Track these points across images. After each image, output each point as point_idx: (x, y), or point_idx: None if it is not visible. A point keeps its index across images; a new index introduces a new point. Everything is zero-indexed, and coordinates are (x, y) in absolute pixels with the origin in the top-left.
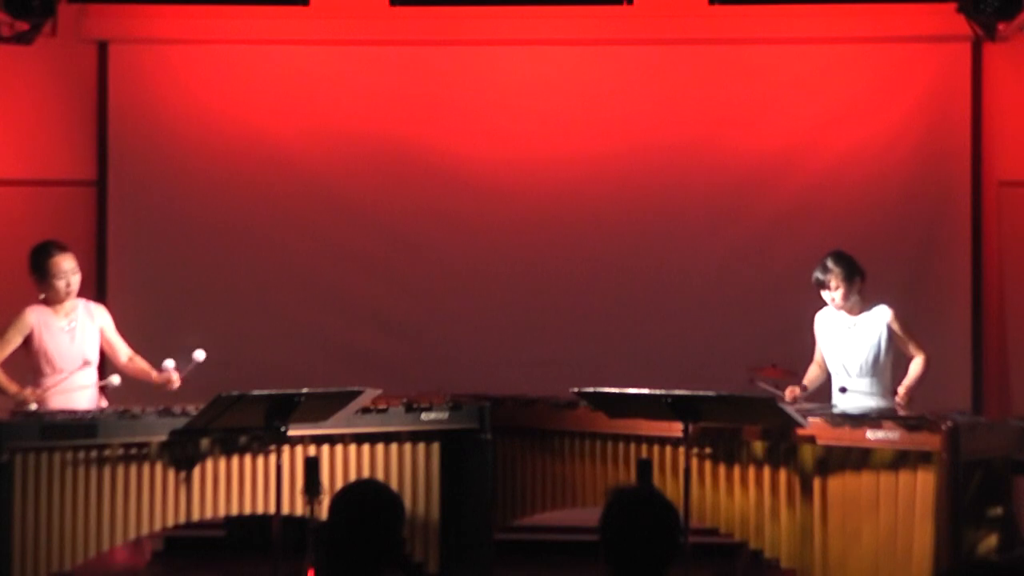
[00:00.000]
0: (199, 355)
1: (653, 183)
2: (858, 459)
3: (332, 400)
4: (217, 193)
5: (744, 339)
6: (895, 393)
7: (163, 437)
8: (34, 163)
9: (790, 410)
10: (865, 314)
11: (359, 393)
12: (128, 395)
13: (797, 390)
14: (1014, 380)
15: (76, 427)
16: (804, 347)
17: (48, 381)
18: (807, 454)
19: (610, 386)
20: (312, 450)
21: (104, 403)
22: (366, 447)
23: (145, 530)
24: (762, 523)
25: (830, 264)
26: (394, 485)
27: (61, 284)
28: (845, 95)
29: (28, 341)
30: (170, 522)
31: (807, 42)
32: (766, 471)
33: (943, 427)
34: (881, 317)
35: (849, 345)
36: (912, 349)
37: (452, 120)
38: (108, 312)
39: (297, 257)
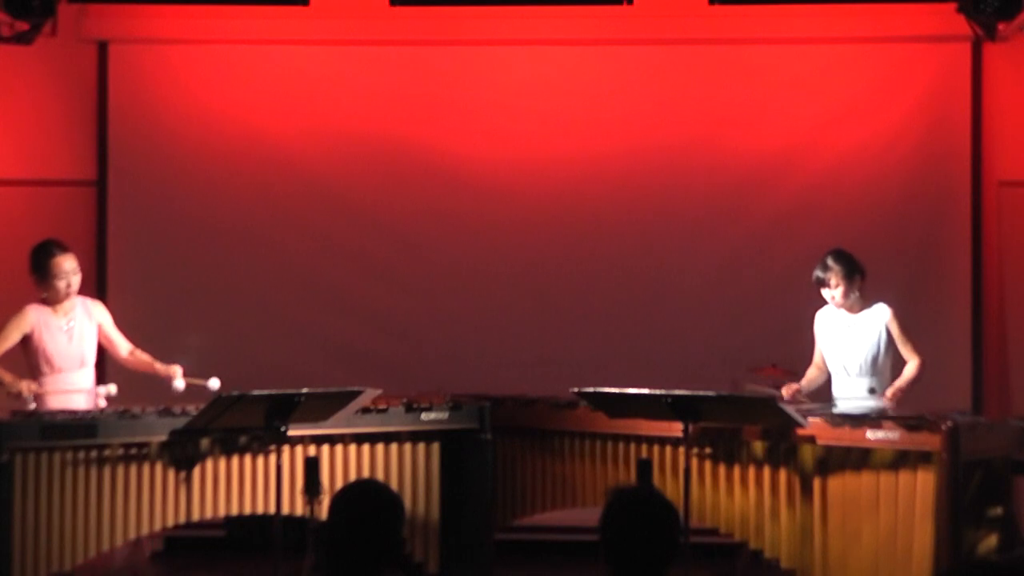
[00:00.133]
0: (214, 383)
1: (653, 183)
2: (858, 459)
3: (332, 400)
4: (217, 193)
5: (744, 339)
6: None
7: (163, 437)
8: (34, 163)
9: (790, 410)
10: (864, 313)
11: (359, 393)
12: (128, 395)
13: (796, 386)
14: (1014, 380)
15: (76, 427)
16: (804, 347)
17: (46, 380)
18: (807, 454)
19: (610, 386)
20: (312, 450)
21: (102, 402)
22: (366, 447)
23: (145, 530)
24: (762, 523)
25: (830, 262)
26: (394, 485)
27: (62, 284)
28: (845, 95)
29: (27, 340)
30: (170, 522)
31: (807, 42)
32: (766, 471)
33: (943, 427)
34: (880, 316)
35: (848, 344)
36: (907, 352)
37: (452, 120)
38: (106, 308)
39: (297, 257)
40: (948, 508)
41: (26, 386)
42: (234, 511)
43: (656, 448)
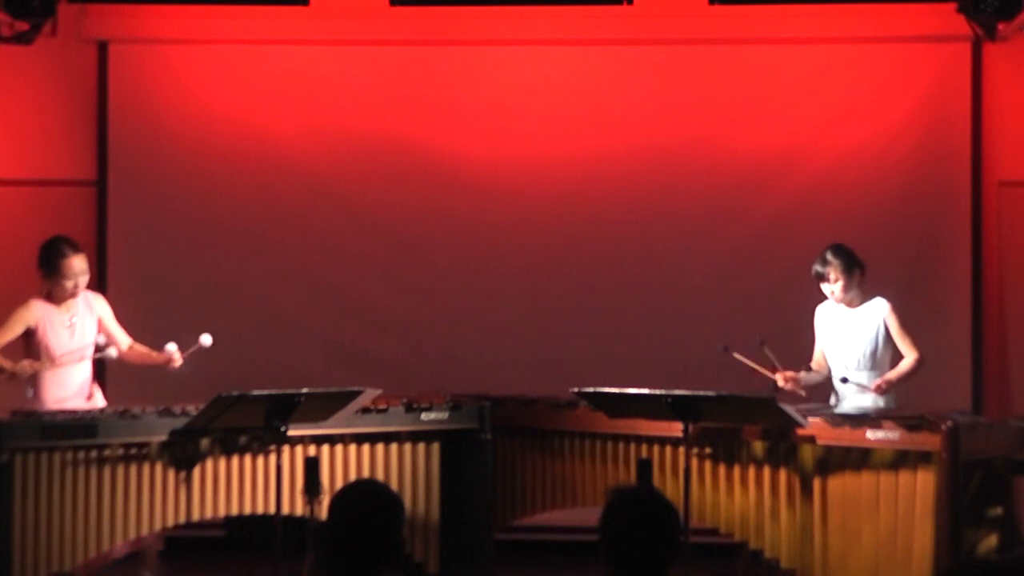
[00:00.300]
0: (206, 339)
1: (653, 183)
2: (858, 459)
3: (332, 400)
4: (217, 193)
5: (744, 339)
6: (894, 392)
7: (163, 437)
8: (34, 163)
9: (790, 410)
10: (863, 307)
11: (359, 393)
12: (128, 395)
13: (790, 373)
14: (1014, 380)
15: (76, 427)
16: (804, 346)
17: (45, 375)
18: (807, 454)
19: (610, 386)
20: (312, 450)
21: (99, 394)
22: (366, 447)
23: (145, 530)
24: (762, 523)
25: (829, 256)
26: (394, 485)
27: (70, 284)
28: (845, 95)
29: (29, 334)
30: (170, 522)
31: (807, 42)
32: (766, 471)
33: (943, 427)
34: (879, 310)
35: (847, 338)
36: (905, 347)
37: (452, 120)
38: (106, 302)
39: (297, 257)
40: (948, 508)
41: (27, 364)
42: (234, 511)
43: (656, 448)
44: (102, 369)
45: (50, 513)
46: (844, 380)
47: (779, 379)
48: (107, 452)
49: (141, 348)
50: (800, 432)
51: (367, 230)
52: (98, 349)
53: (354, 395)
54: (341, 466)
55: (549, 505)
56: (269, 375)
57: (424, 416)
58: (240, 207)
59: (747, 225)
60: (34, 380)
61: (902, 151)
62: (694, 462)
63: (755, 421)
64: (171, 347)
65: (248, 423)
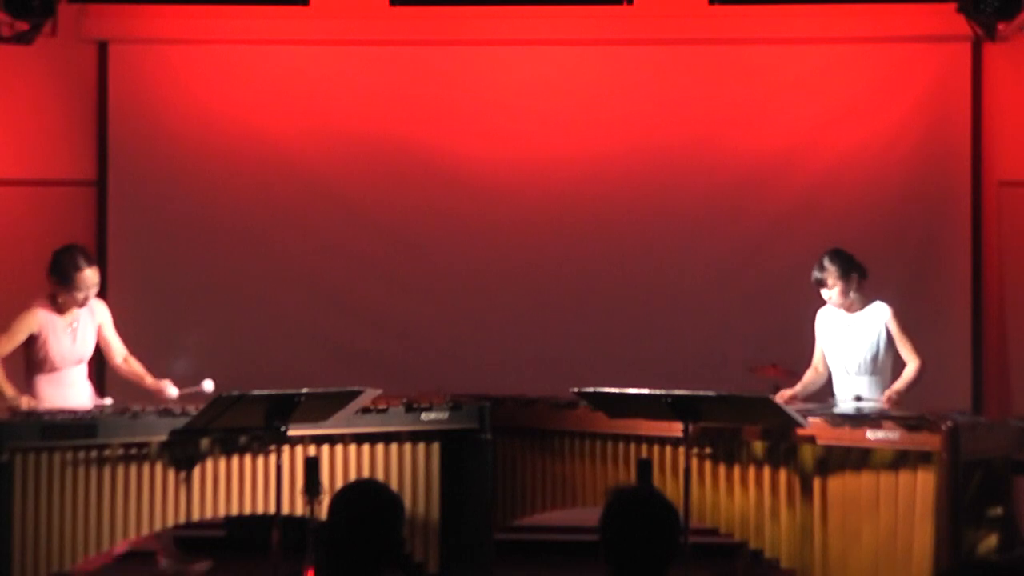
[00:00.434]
0: (208, 385)
1: (653, 183)
2: (858, 459)
3: (332, 400)
4: (217, 193)
5: (744, 339)
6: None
7: (163, 437)
8: (34, 163)
9: (790, 410)
10: (864, 312)
11: (359, 393)
12: (128, 395)
13: (787, 393)
14: (1014, 380)
15: (76, 427)
16: (804, 347)
17: (43, 378)
18: (807, 454)
19: (610, 386)
20: (312, 450)
21: (96, 398)
22: (366, 447)
23: (145, 530)
24: (762, 523)
25: (826, 262)
26: (394, 485)
27: (81, 296)
28: (845, 95)
29: (31, 340)
30: (170, 522)
31: (807, 42)
32: (766, 471)
33: (943, 427)
34: (879, 315)
35: (848, 343)
36: (907, 353)
37: (452, 120)
38: (107, 308)
39: (297, 257)
40: (948, 508)
41: (25, 401)
42: (234, 511)
43: (656, 448)
44: (101, 369)
45: (50, 513)
46: (858, 398)
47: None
48: (107, 452)
49: (136, 367)
50: (800, 432)
51: (367, 230)
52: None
53: (354, 395)
54: (341, 466)
55: (549, 505)
56: (269, 375)
57: (424, 416)
58: (240, 207)
59: (747, 225)
60: (32, 386)
61: (902, 151)
62: (694, 462)
63: (755, 421)
64: (172, 390)
65: (248, 423)
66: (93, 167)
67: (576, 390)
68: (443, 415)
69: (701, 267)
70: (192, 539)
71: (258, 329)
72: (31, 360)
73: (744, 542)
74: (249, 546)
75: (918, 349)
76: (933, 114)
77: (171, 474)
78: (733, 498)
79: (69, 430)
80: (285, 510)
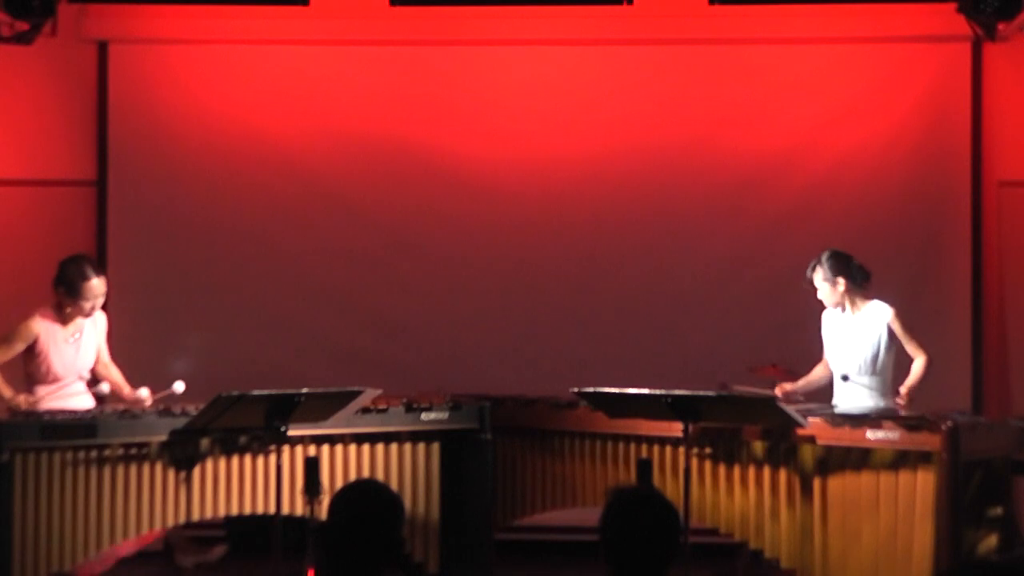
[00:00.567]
0: (178, 387)
1: (653, 183)
2: (858, 459)
3: (332, 400)
4: (217, 193)
5: (744, 339)
6: (896, 392)
7: (163, 437)
8: (34, 163)
9: (790, 410)
10: (863, 312)
11: (359, 393)
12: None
13: (789, 386)
14: (1014, 380)
15: (76, 427)
16: (804, 347)
17: (43, 389)
18: (807, 454)
19: (610, 386)
20: (312, 450)
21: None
22: (366, 447)
23: (145, 530)
24: (762, 523)
25: (814, 264)
26: (394, 485)
27: (88, 306)
28: (845, 95)
29: (30, 349)
30: (170, 522)
31: (807, 42)
32: (766, 471)
33: (943, 427)
34: (879, 315)
35: (848, 343)
36: (913, 349)
37: (452, 120)
38: (106, 319)
39: (297, 257)
40: (948, 508)
41: (23, 400)
42: (234, 511)
43: (656, 448)
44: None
45: (50, 513)
46: (845, 378)
47: (777, 392)
48: (107, 452)
49: (116, 375)
50: (800, 432)
51: (367, 230)
52: (91, 384)
53: (354, 395)
54: (341, 466)
55: (549, 505)
56: (269, 375)
57: (424, 416)
58: (240, 207)
59: (747, 225)
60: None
61: (902, 151)
62: (694, 462)
63: (755, 421)
64: (143, 391)
65: (248, 423)
66: (93, 167)
67: (576, 390)
68: (443, 415)
69: (701, 267)
70: (192, 539)
71: (258, 329)
72: (32, 371)
73: (744, 542)
74: (249, 546)
75: (923, 345)
76: (933, 114)
77: (171, 474)
78: (733, 498)
79: (69, 430)
80: (285, 510)
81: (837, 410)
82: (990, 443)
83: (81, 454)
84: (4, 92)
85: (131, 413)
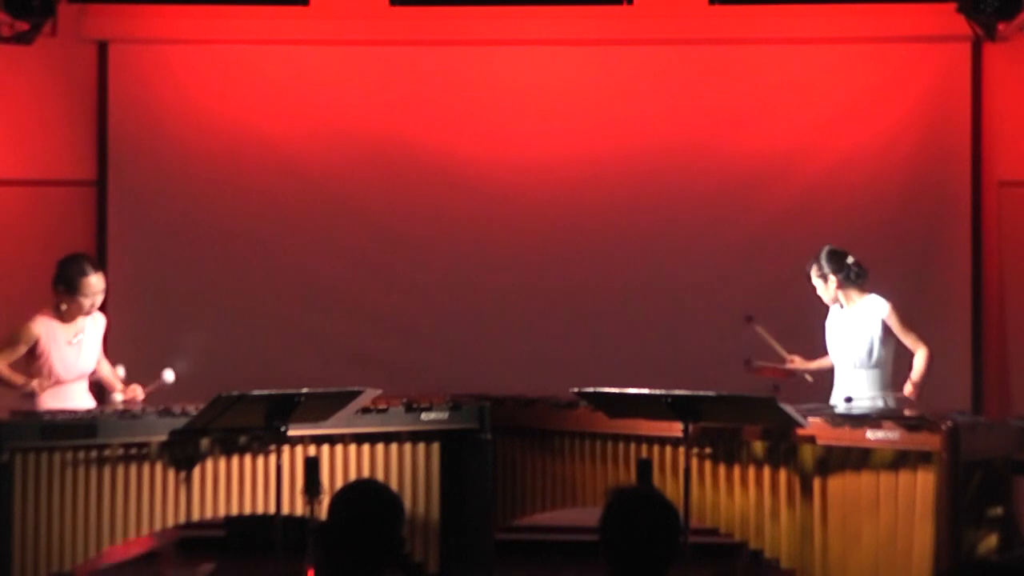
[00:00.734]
0: (168, 376)
1: (653, 183)
2: (858, 459)
3: (332, 400)
4: (217, 193)
5: (744, 339)
6: (895, 387)
7: (163, 437)
8: (34, 163)
9: (790, 410)
10: (858, 306)
11: (359, 393)
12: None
13: (798, 360)
14: (1014, 380)
15: (76, 427)
16: (804, 347)
17: (46, 391)
18: (807, 454)
19: (610, 386)
20: (312, 450)
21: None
22: (366, 447)
23: (145, 530)
24: (762, 523)
25: (812, 260)
26: (394, 485)
27: (87, 303)
28: (845, 95)
29: (32, 351)
30: (170, 522)
31: (807, 42)
32: (766, 471)
33: (943, 427)
34: (874, 310)
35: (846, 338)
36: (912, 343)
37: (452, 120)
38: (104, 320)
39: (297, 257)
40: (948, 508)
41: (36, 384)
42: (234, 511)
43: (656, 448)
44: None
45: (50, 513)
46: (848, 400)
47: (787, 363)
48: (107, 452)
49: (107, 372)
50: (800, 432)
51: (367, 230)
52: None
53: (354, 395)
54: (341, 466)
55: (549, 505)
56: (269, 375)
57: (424, 416)
58: (240, 207)
59: (747, 225)
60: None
61: (902, 151)
62: (694, 462)
63: (755, 421)
64: (138, 388)
65: (248, 423)
66: (93, 167)
67: (576, 390)
68: (443, 415)
69: (701, 267)
70: (192, 539)
71: (258, 329)
72: (33, 373)
73: (744, 542)
74: (249, 546)
75: (923, 338)
76: (933, 114)
77: (171, 474)
78: (733, 498)
79: (69, 430)
80: (285, 510)
81: (837, 410)
82: (990, 443)
83: (81, 454)
84: (4, 92)
85: (131, 413)
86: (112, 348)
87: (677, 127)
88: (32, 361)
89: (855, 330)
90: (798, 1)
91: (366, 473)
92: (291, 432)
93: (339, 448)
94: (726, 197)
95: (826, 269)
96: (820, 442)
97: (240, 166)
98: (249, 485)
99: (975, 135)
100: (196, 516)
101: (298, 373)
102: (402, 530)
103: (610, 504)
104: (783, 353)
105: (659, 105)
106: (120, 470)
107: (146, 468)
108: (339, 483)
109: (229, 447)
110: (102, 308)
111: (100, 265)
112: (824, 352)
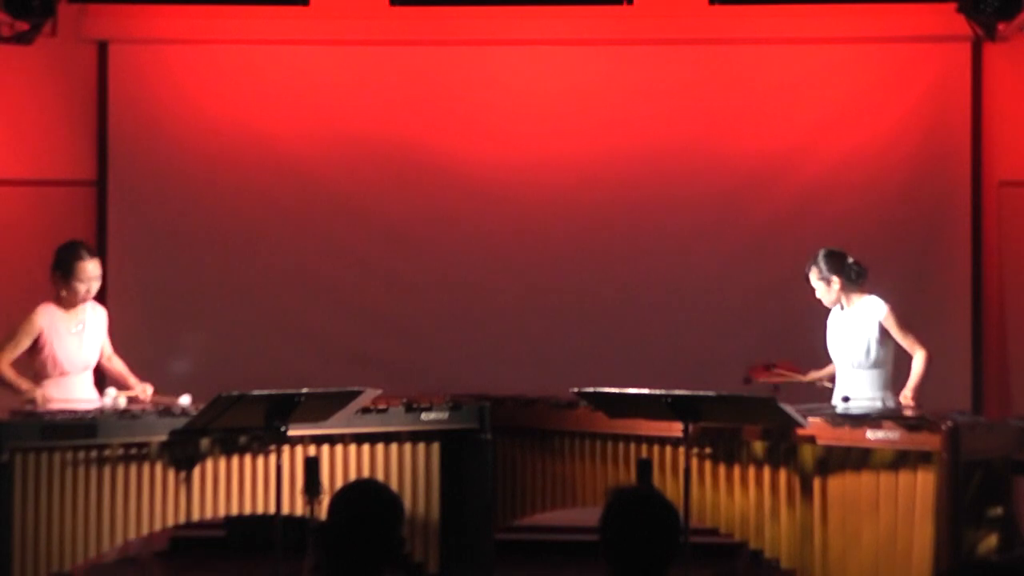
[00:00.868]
0: (184, 400)
1: (653, 183)
2: (858, 459)
3: (332, 400)
4: (217, 193)
5: (744, 340)
6: (897, 387)
7: (163, 437)
8: (34, 163)
9: (790, 410)
10: (856, 306)
11: (359, 393)
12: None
13: (813, 374)
14: (1014, 380)
15: (76, 427)
16: (804, 347)
17: (49, 382)
18: (807, 454)
19: (610, 386)
20: (312, 450)
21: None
22: (366, 447)
23: (145, 530)
24: (762, 523)
25: (810, 264)
26: (394, 485)
27: (83, 288)
28: (845, 95)
29: (35, 343)
30: (170, 522)
31: (807, 42)
32: (766, 471)
33: (943, 427)
34: (871, 311)
35: (844, 339)
36: (910, 346)
37: (452, 120)
38: (106, 313)
39: (297, 257)
40: (948, 508)
41: (40, 395)
42: (234, 511)
43: (656, 448)
44: (101, 373)
45: (50, 513)
46: (846, 399)
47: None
48: (107, 452)
49: (119, 366)
50: (800, 432)
51: (367, 230)
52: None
53: (354, 395)
54: (341, 466)
55: (549, 505)
56: (269, 375)
57: (424, 416)
58: (240, 207)
59: (747, 225)
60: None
61: (902, 151)
62: (694, 462)
63: (755, 421)
64: (149, 388)
65: (248, 423)
66: (93, 167)
67: (576, 390)
68: (443, 415)
69: (701, 267)
70: (192, 539)
71: (258, 329)
72: (37, 365)
73: (744, 542)
74: (249, 546)
75: (921, 341)
76: (933, 114)
77: (171, 474)
78: (733, 498)
79: (69, 430)
80: (285, 510)
81: (838, 410)
82: (990, 443)
83: (81, 454)
84: (4, 92)
85: (131, 413)
86: (113, 347)
87: (677, 127)
88: (35, 354)
89: (853, 331)
90: (798, 1)
91: (366, 473)
92: (291, 432)
93: (339, 448)
94: (726, 197)
95: (827, 272)
96: (820, 442)
97: (240, 166)
98: (249, 485)
99: (975, 135)
100: (196, 516)
101: (298, 373)
102: (402, 530)
103: (610, 504)
104: (799, 377)
105: (659, 105)
106: (120, 470)
107: (146, 468)
108: (339, 483)
109: (229, 447)
110: (102, 303)
111: (98, 253)
112: (826, 354)
